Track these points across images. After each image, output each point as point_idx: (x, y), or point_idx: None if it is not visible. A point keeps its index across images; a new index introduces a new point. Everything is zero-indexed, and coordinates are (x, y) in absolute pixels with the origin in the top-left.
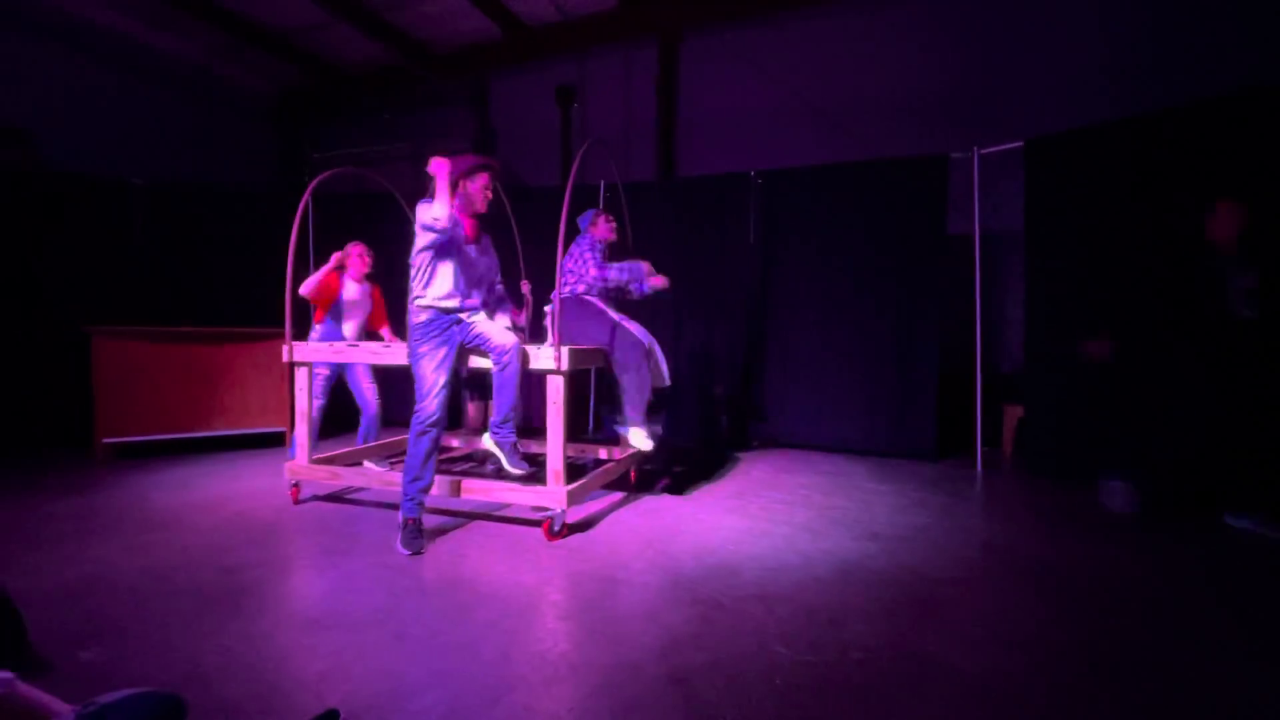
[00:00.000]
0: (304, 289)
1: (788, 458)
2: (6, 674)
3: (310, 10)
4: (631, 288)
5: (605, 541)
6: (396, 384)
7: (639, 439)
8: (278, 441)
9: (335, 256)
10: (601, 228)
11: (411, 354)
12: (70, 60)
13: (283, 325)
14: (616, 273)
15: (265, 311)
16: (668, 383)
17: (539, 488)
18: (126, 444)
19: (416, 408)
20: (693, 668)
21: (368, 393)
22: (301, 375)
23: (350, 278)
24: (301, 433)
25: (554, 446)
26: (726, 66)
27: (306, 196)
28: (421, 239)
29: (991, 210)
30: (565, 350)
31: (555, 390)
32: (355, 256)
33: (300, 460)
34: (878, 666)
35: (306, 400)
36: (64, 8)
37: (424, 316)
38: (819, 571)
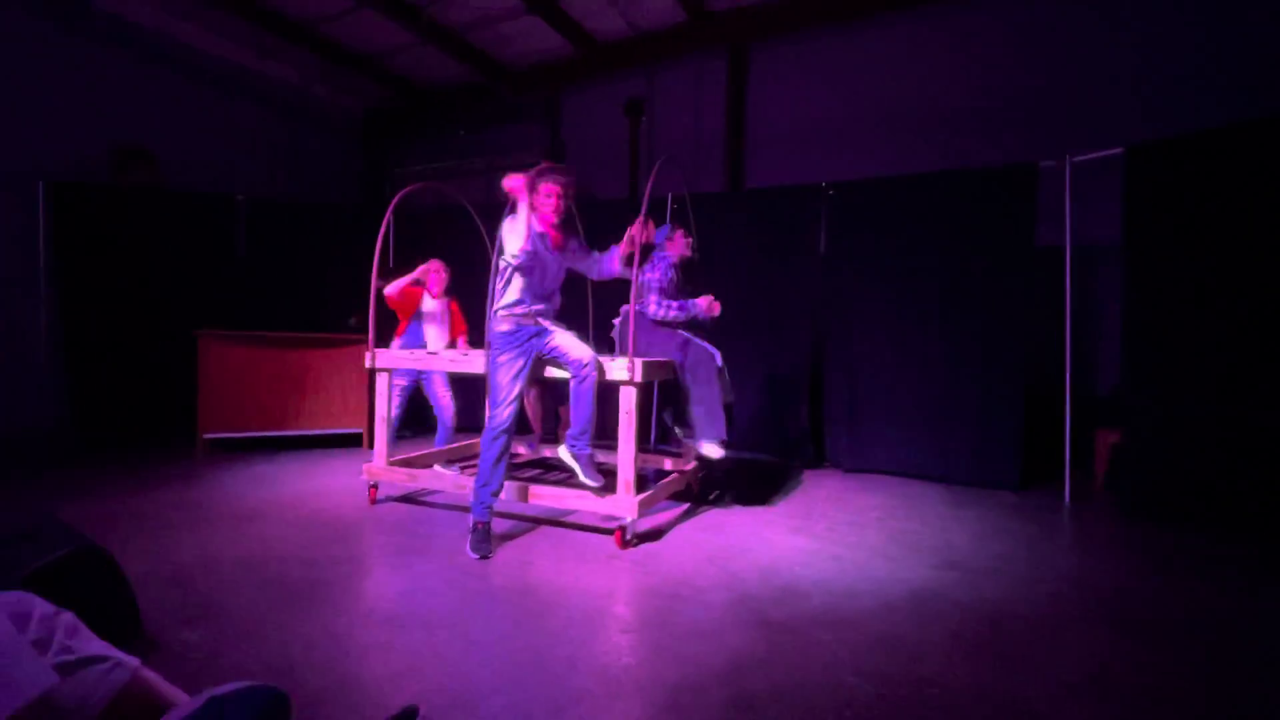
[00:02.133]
0: (390, 290)
1: (855, 479)
2: (134, 659)
3: (396, 32)
4: (701, 316)
5: (669, 555)
6: (471, 392)
7: (711, 449)
8: (356, 442)
9: (421, 267)
10: (679, 243)
11: (490, 362)
12: (183, 84)
13: (364, 333)
14: (675, 312)
15: (349, 319)
16: (732, 398)
17: (610, 497)
18: (224, 439)
19: (490, 414)
20: (759, 693)
21: (443, 399)
22: (382, 380)
23: (429, 293)
24: (380, 436)
25: (625, 457)
26: (796, 77)
27: (389, 213)
28: (505, 255)
29: (1083, 222)
30: (639, 362)
31: (628, 401)
32: (434, 274)
33: (379, 462)
34: (956, 707)
35: (386, 405)
36: (174, 36)
37: (506, 326)
38: (892, 600)
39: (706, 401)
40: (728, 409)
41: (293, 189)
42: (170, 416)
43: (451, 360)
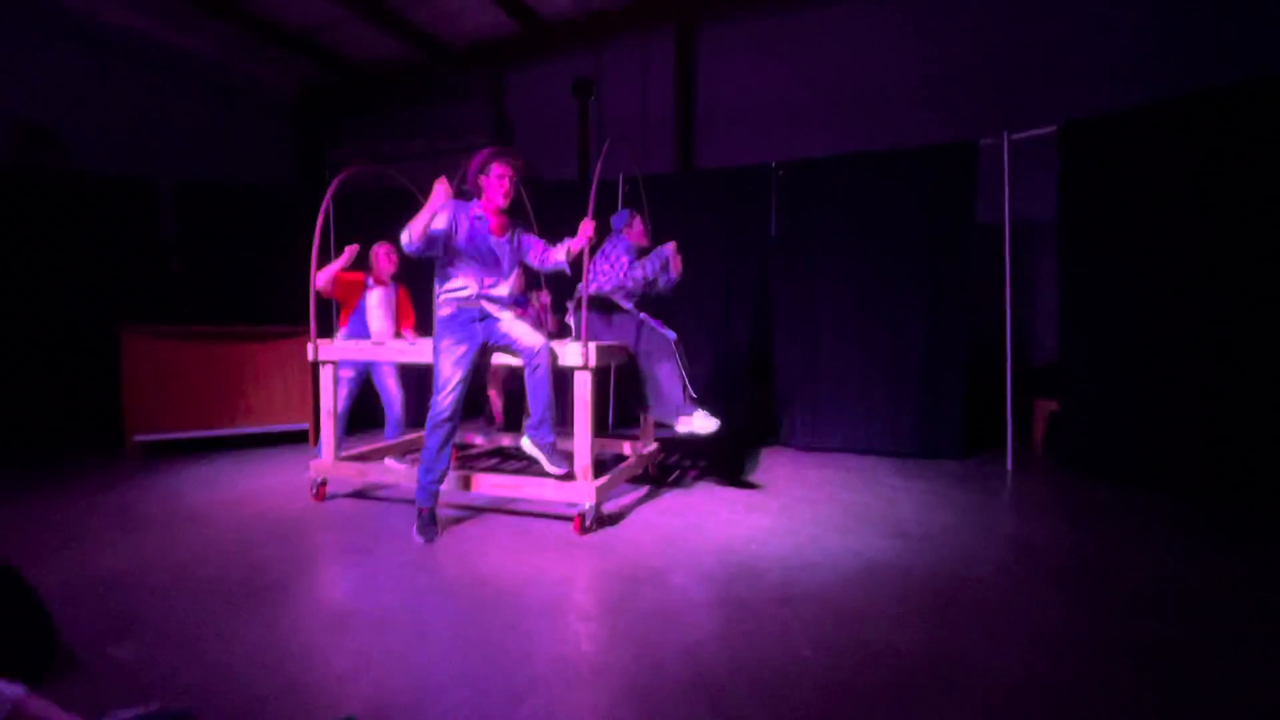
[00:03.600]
0: (319, 282)
1: (810, 455)
2: (18, 689)
3: (328, 7)
4: (660, 281)
5: (626, 539)
6: (421, 384)
7: (696, 424)
8: (300, 439)
9: (348, 251)
10: (637, 230)
11: (434, 348)
12: (92, 60)
13: (305, 324)
14: (648, 269)
15: (288, 310)
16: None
17: (568, 483)
18: (156, 441)
19: (431, 401)
20: (718, 671)
21: (393, 391)
22: (327, 373)
23: (376, 278)
24: (327, 431)
25: (581, 443)
26: (744, 56)
27: (328, 197)
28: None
29: (1022, 198)
30: (592, 346)
31: (583, 387)
32: (382, 257)
33: (326, 458)
34: (908, 669)
35: (332, 399)
36: (85, 9)
37: (446, 311)
38: (845, 571)
39: (666, 383)
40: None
41: (224, 172)
42: (94, 418)
43: (399, 351)
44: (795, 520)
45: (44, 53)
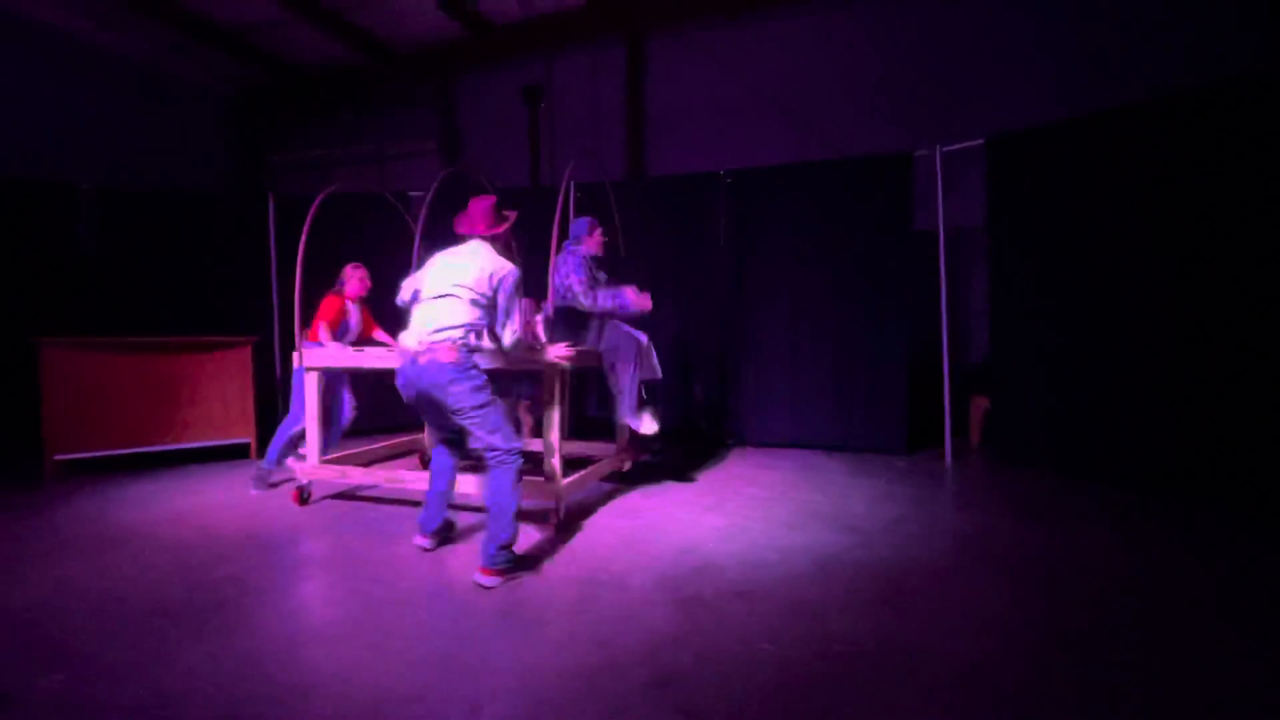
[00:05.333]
0: (324, 338)
1: (764, 454)
2: None
3: (267, 7)
4: (618, 310)
5: (584, 542)
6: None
7: (647, 425)
8: (242, 453)
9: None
10: (595, 241)
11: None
12: (10, 57)
13: (243, 334)
14: (604, 300)
15: (226, 320)
16: (659, 375)
17: (538, 483)
18: (80, 460)
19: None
20: (677, 669)
21: (348, 399)
22: (311, 381)
23: (349, 297)
24: (313, 435)
25: (551, 445)
26: (693, 66)
27: (311, 217)
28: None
29: (958, 206)
30: (561, 351)
31: (551, 391)
32: (358, 281)
33: (311, 461)
34: (861, 657)
35: (316, 405)
36: (8, 5)
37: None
38: (799, 566)
39: (623, 383)
40: (653, 389)
41: (156, 176)
42: (10, 437)
43: (380, 358)
44: (750, 519)
45: None
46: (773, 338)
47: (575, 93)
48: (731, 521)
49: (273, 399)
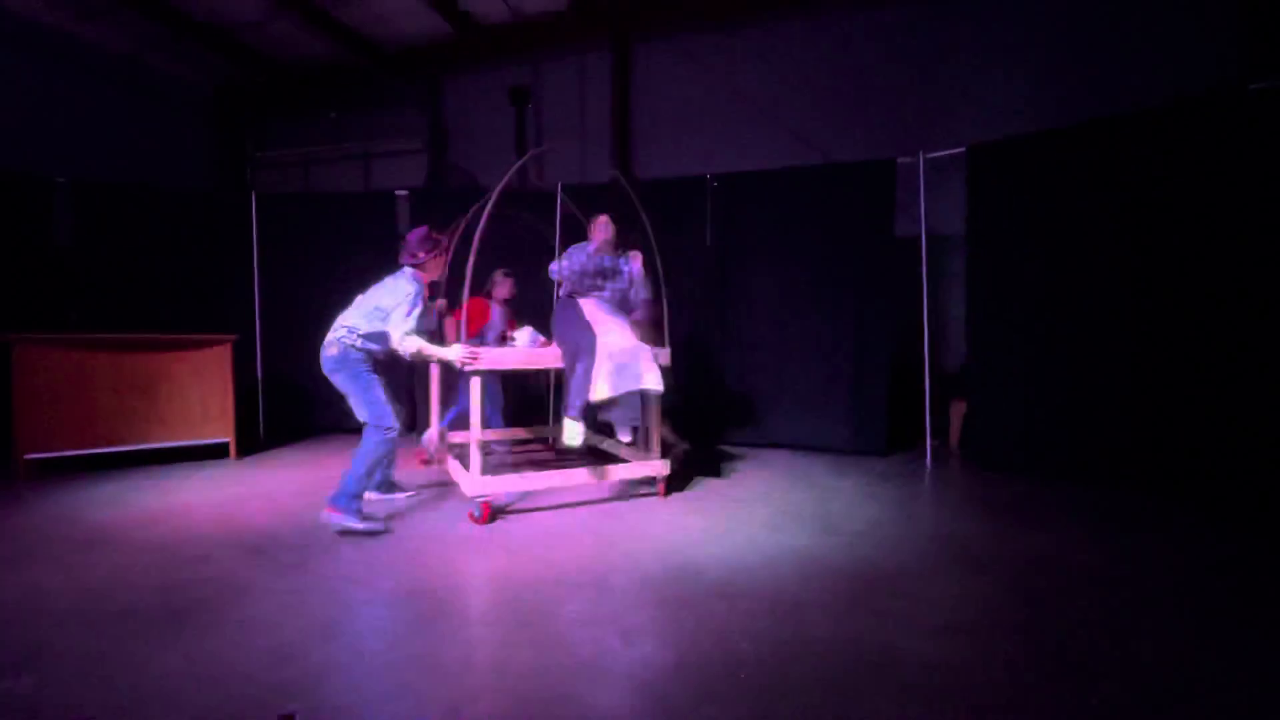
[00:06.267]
0: (451, 333)
1: (748, 455)
2: None
3: (252, 2)
4: (631, 294)
5: (568, 545)
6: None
7: (570, 434)
8: (221, 453)
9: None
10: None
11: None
12: None
13: (226, 332)
14: (617, 279)
15: (206, 318)
16: (643, 386)
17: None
18: (53, 459)
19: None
20: (657, 669)
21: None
22: (476, 385)
23: (497, 300)
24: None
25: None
26: (680, 70)
27: (481, 226)
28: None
29: (940, 213)
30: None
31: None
32: (506, 287)
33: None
34: (840, 658)
35: (479, 411)
36: None
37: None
38: (780, 568)
39: (572, 381)
40: (646, 398)
41: (133, 173)
42: None
43: (540, 356)
44: (732, 520)
45: None
46: (756, 340)
47: (562, 94)
48: (713, 522)
49: (253, 399)
